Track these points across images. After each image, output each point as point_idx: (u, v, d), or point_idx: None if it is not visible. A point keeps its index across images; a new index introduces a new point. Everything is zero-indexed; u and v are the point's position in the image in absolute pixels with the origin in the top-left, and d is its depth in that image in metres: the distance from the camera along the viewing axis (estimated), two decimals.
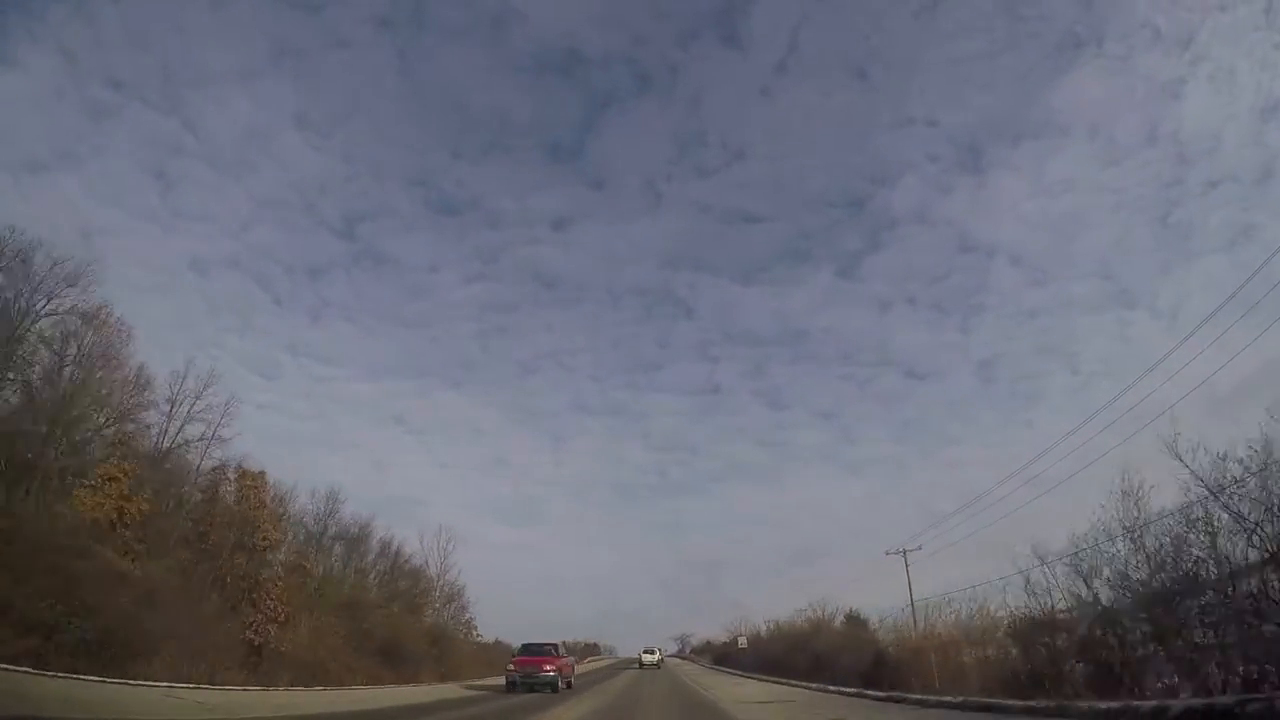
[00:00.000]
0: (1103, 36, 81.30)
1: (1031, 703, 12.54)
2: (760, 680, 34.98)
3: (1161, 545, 13.11)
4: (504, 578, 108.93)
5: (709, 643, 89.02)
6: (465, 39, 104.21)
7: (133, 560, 17.86)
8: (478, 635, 50.31)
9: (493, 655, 47.45)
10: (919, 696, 17.86)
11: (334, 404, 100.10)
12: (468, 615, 49.63)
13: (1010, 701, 13.44)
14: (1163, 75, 77.59)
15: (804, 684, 28.41)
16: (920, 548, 33.72)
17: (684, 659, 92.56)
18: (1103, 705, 10.40)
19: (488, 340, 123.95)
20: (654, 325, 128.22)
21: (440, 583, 47.08)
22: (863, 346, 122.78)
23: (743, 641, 56.43)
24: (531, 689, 22.62)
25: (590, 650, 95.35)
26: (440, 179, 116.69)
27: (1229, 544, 11.61)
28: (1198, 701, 9.07)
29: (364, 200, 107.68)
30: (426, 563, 45.99)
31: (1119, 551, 14.37)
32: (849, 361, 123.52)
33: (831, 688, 24.35)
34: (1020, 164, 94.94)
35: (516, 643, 32.63)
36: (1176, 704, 8.86)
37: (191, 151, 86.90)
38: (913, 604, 30.75)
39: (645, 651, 61.64)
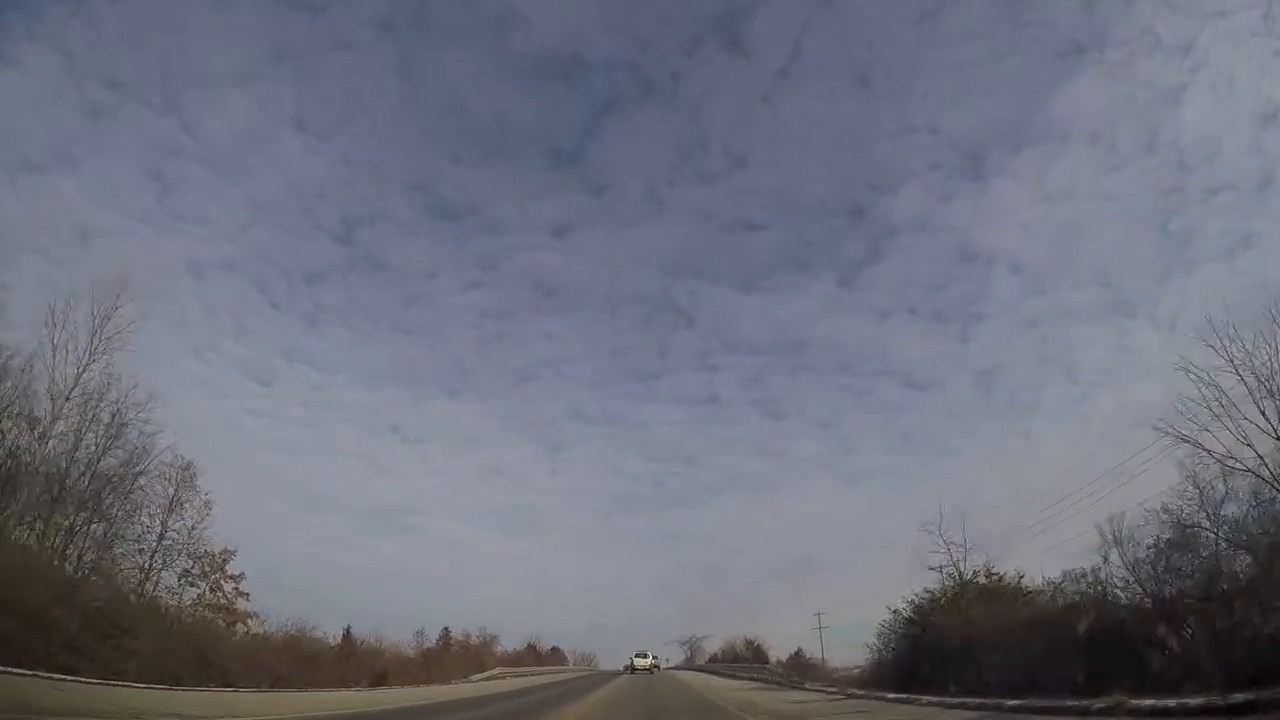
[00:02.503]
0: (1104, 43, 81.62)
1: None
2: None
3: None
4: (499, 585, 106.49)
5: (743, 643, 63.98)
6: (467, 42, 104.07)
7: None
8: (239, 594, 25.90)
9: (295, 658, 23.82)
10: None
11: (329, 411, 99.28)
12: (198, 526, 24.24)
13: None
14: (1163, 82, 77.38)
15: None
16: None
17: (703, 670, 63.35)
18: None
19: (486, 348, 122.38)
20: (653, 334, 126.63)
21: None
22: (862, 356, 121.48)
23: None
24: None
25: (548, 659, 73.63)
26: (440, 184, 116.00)
27: None
28: None
29: (363, 205, 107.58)
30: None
31: None
32: (848, 371, 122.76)
33: None
34: (1021, 171, 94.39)
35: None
36: None
37: (189, 153, 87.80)
38: None
39: (637, 655, 60.05)
